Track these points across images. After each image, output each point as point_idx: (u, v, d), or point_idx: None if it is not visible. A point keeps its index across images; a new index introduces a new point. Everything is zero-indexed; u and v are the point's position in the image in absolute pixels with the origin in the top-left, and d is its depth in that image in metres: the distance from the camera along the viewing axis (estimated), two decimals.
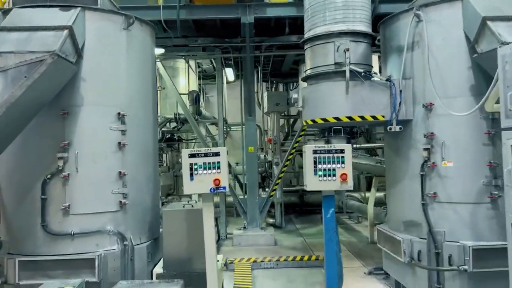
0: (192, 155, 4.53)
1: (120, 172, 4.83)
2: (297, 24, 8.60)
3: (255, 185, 9.02)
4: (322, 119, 5.19)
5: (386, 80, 5.06)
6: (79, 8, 4.58)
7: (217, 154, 4.53)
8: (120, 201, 4.83)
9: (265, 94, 10.92)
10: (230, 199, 10.02)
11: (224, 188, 4.54)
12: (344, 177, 4.40)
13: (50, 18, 4.43)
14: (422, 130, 5.01)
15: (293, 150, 9.36)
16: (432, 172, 4.91)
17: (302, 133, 9.38)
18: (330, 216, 4.54)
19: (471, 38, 4.58)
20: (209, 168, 4.51)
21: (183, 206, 5.38)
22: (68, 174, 4.56)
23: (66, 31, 4.23)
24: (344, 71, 5.07)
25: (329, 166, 4.44)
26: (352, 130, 11.27)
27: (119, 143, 4.84)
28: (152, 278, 5.04)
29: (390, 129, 5.06)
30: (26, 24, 4.31)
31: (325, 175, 4.44)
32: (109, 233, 4.72)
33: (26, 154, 4.62)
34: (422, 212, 4.97)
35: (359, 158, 9.11)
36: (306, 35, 5.48)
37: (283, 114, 11.70)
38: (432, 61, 4.88)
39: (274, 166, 10.32)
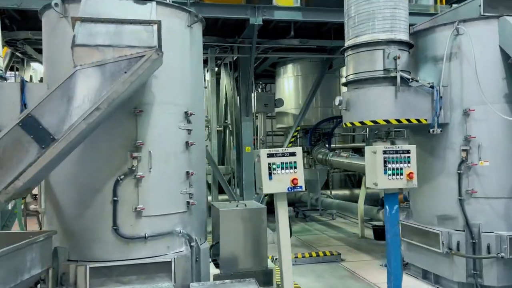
0: (270, 155, 4.60)
1: (188, 172, 4.71)
2: (301, 28, 8.91)
3: (252, 185, 9.11)
4: (372, 121, 5.51)
5: (430, 87, 5.52)
6: (154, 2, 4.40)
7: (293, 154, 4.65)
8: (188, 202, 4.71)
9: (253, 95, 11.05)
10: (222, 197, 10.01)
11: (301, 187, 4.66)
12: (411, 176, 4.75)
13: (129, 11, 4.21)
14: (459, 133, 5.56)
15: None
16: (469, 170, 5.47)
17: (295, 133, 9.69)
18: (394, 212, 4.87)
19: (507, 51, 5.21)
20: (287, 168, 4.61)
21: (237, 206, 5.38)
22: (142, 174, 4.37)
23: (155, 26, 4.05)
24: (392, 76, 5.44)
25: (397, 165, 4.77)
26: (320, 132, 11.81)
27: (187, 142, 4.72)
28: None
29: (433, 131, 5.54)
30: (105, 16, 4.06)
31: (393, 174, 4.76)
32: (178, 234, 4.59)
33: (94, 154, 4.33)
34: (459, 206, 5.52)
35: (351, 158, 9.62)
36: (351, 42, 5.77)
37: (268, 115, 11.92)
38: (470, 71, 5.45)
39: None
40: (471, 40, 5.43)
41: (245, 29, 8.47)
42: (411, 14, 7.25)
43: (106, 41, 3.75)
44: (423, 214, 6.11)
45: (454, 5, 6.59)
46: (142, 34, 3.95)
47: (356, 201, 9.88)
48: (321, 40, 9.21)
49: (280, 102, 10.73)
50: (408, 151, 4.81)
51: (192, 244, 4.73)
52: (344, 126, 6.04)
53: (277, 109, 11.68)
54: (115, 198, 4.30)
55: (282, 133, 13.96)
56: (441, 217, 5.77)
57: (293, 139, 9.73)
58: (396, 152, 4.78)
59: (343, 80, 12.52)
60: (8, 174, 3.46)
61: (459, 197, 5.52)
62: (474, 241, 5.41)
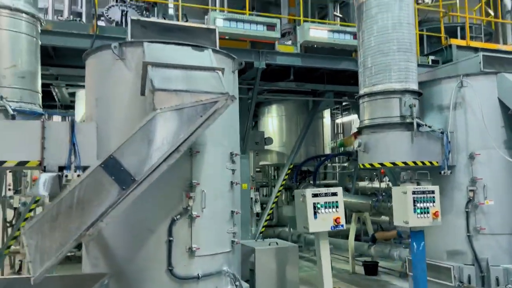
0: (315, 195, 4.86)
1: (232, 211, 4.85)
2: (297, 72, 9.42)
3: (248, 222, 9.23)
4: (391, 163, 5.96)
5: (440, 133, 6.10)
6: (210, 49, 4.64)
7: (335, 194, 4.94)
8: (232, 241, 4.81)
9: None
10: None
11: (342, 226, 4.93)
12: (436, 214, 5.20)
13: (191, 57, 4.42)
14: (466, 175, 6.14)
15: (281, 187, 9.89)
16: (476, 209, 6.03)
17: (289, 171, 10.02)
18: (421, 248, 5.26)
19: (507, 103, 5.94)
20: (329, 207, 4.88)
21: (269, 244, 5.53)
22: (196, 214, 4.45)
23: (220, 72, 4.29)
24: (408, 122, 5.98)
25: (424, 204, 5.20)
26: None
27: (232, 182, 4.88)
28: None
29: (444, 173, 6.07)
30: (169, 61, 4.24)
31: (421, 213, 5.18)
32: (225, 274, 4.66)
33: (150, 195, 4.36)
34: (468, 242, 6.02)
35: (345, 196, 10.04)
36: (368, 90, 6.27)
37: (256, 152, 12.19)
38: (473, 119, 6.11)
39: (255, 203, 10.64)
40: (474, 92, 6.13)
41: (245, 71, 8.84)
42: None
43: (182, 87, 3.92)
44: (432, 249, 6.54)
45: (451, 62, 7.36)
46: (211, 80, 4.16)
47: (341, 237, 10.23)
48: (315, 84, 9.77)
49: (269, 141, 11.07)
50: (432, 191, 5.28)
51: (237, 283, 4.80)
52: (361, 167, 6.45)
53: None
54: (171, 238, 4.33)
55: (259, 169, 14.24)
56: (450, 252, 6.24)
57: (286, 176, 10.03)
58: (423, 192, 5.22)
59: (326, 121, 13.34)
60: (90, 215, 3.45)
61: (468, 234, 6.03)
62: (483, 274, 5.90)
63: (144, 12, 10.73)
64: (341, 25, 9.54)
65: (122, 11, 9.88)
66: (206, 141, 4.65)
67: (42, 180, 4.00)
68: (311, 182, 11.60)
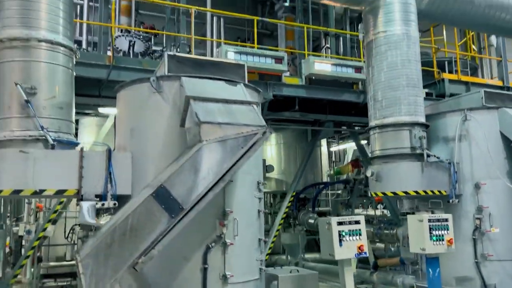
0: (340, 223, 5.07)
1: (260, 239, 5.00)
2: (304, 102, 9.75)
3: None
4: (404, 192, 6.24)
5: (448, 163, 6.45)
6: (242, 84, 4.90)
7: (358, 222, 5.16)
8: (260, 268, 4.95)
9: None
10: None
11: (365, 253, 5.14)
12: (451, 241, 5.46)
13: (226, 91, 4.66)
14: (472, 203, 6.47)
15: (284, 215, 10.06)
16: (482, 236, 6.33)
17: (291, 198, 10.23)
18: (437, 274, 5.49)
19: (508, 136, 6.36)
20: (353, 235, 5.09)
21: (290, 272, 5.67)
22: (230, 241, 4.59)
23: (255, 106, 4.54)
24: (418, 153, 6.31)
25: (439, 232, 5.47)
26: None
27: (259, 210, 5.06)
28: None
29: (453, 201, 6.38)
30: (206, 95, 4.46)
31: (437, 240, 5.44)
32: None
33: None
34: (475, 268, 6.29)
35: None
36: (379, 122, 6.61)
37: None
38: (478, 151, 6.49)
39: None
40: (477, 125, 6.54)
41: None
42: None
43: (225, 120, 4.13)
44: (442, 276, 6.77)
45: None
46: (249, 113, 4.39)
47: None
48: (318, 114, 10.11)
49: (270, 168, 11.29)
50: (446, 219, 5.56)
51: None
52: (373, 195, 6.71)
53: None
54: (206, 266, 4.45)
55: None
56: (459, 279, 6.48)
57: (289, 204, 10.22)
58: (438, 220, 5.50)
59: (323, 149, 13.67)
60: (143, 242, 3.58)
61: (476, 260, 6.31)
62: None
63: (148, 42, 11.03)
64: (342, 59, 9.94)
65: (130, 41, 10.16)
66: (238, 170, 4.84)
67: (85, 209, 4.11)
68: (310, 209, 11.80)
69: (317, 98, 9.35)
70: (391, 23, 6.72)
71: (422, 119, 6.55)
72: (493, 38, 12.10)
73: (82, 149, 4.53)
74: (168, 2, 10.17)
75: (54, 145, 4.46)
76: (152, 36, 11.75)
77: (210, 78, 4.76)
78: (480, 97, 6.76)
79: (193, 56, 5.14)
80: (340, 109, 10.25)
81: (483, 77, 14.27)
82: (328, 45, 13.49)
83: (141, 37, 10.71)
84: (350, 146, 14.88)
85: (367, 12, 7.07)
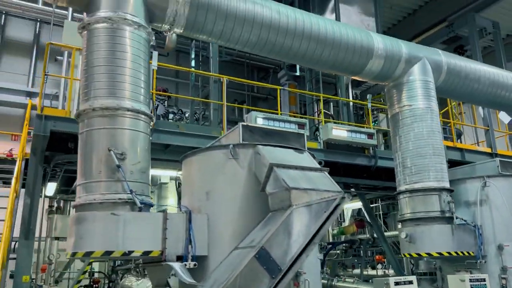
0: (396, 283, 5.42)
1: None
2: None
3: None
4: (438, 253, 6.71)
5: (473, 226, 7.02)
6: (307, 152, 5.39)
7: (411, 282, 5.54)
8: None
9: None
10: None
11: None
12: None
13: (295, 158, 5.11)
14: (496, 264, 6.99)
15: None
16: None
17: None
18: None
19: None
20: None
21: None
22: None
23: (326, 172, 5.00)
24: (448, 217, 6.87)
25: None
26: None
27: (320, 272, 5.37)
28: None
29: (480, 262, 6.88)
30: (280, 161, 4.90)
31: None
32: None
33: None
34: None
35: (358, 283, 10.51)
36: (408, 187, 7.19)
37: None
38: (498, 214, 7.12)
39: None
40: (496, 191, 7.22)
41: None
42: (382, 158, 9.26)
43: (308, 185, 4.56)
44: None
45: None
46: (324, 179, 4.84)
47: None
48: (333, 176, 10.63)
49: None
50: (484, 279, 6.02)
51: None
52: (407, 256, 7.13)
53: None
54: None
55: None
56: None
57: None
58: (477, 280, 5.95)
59: None
60: None
61: None
62: None
63: (164, 103, 11.55)
64: (356, 126, 10.71)
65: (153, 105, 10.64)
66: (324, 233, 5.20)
67: (179, 270, 4.32)
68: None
69: (333, 161, 9.97)
70: (415, 98, 7.52)
71: (448, 185, 7.19)
72: (480, 110, 13.32)
73: (166, 211, 4.79)
74: (185, 68, 10.85)
75: (142, 207, 4.72)
76: (167, 99, 12.32)
77: (281, 146, 5.23)
78: (496, 165, 7.52)
79: (261, 126, 5.63)
80: (351, 171, 10.88)
81: (465, 142, 15.51)
82: (329, 112, 14.51)
83: (160, 100, 11.24)
84: (349, 206, 15.40)
85: (391, 87, 7.88)
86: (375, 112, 16.06)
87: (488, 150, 12.59)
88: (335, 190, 4.67)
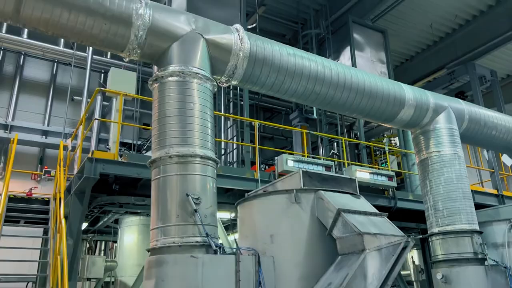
0: None
1: None
2: None
3: None
4: None
5: (504, 267, 7.39)
6: (362, 197, 5.77)
7: None
8: None
9: None
10: None
11: None
12: None
13: (354, 202, 5.48)
14: None
15: None
16: None
17: None
18: None
19: None
20: None
21: None
22: None
23: (385, 218, 5.36)
24: (481, 258, 7.23)
25: None
26: None
27: None
28: None
29: None
30: (346, 207, 5.26)
31: None
32: None
33: None
34: None
35: None
36: (441, 229, 7.57)
37: None
38: None
39: None
40: None
41: None
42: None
43: (376, 230, 4.90)
44: None
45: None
46: (386, 224, 5.20)
47: None
48: None
49: None
50: None
51: None
52: None
53: None
54: None
55: None
56: None
57: None
58: None
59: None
60: None
61: None
62: None
63: None
64: (377, 168, 11.17)
65: None
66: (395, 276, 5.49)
67: None
68: None
69: None
70: (442, 145, 8.04)
71: (477, 227, 7.60)
72: (485, 153, 14.00)
73: (237, 253, 5.06)
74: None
75: (217, 250, 4.98)
76: None
77: (339, 192, 5.60)
78: None
79: (319, 172, 5.99)
80: None
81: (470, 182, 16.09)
82: (336, 151, 15.02)
83: None
84: None
85: (418, 134, 8.40)
86: (377, 154, 16.65)
87: (494, 191, 13.15)
88: (399, 235, 5.02)
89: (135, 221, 10.60)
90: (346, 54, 12.74)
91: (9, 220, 8.81)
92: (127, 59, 5.87)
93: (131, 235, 10.54)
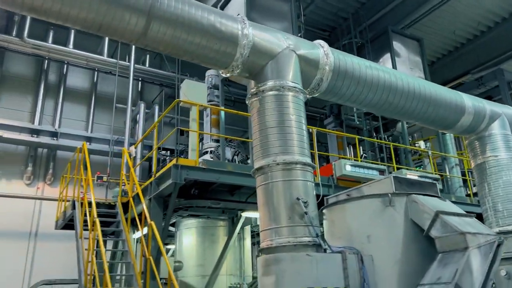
0: None
1: None
2: None
3: None
4: None
5: None
6: (447, 200, 6.25)
7: None
8: None
9: None
10: None
11: None
12: None
13: (445, 205, 5.96)
14: None
15: None
16: None
17: None
18: None
19: None
20: None
21: None
22: None
23: (474, 218, 5.85)
24: None
25: None
26: None
27: None
28: None
29: None
30: (442, 209, 5.73)
31: None
32: None
33: None
34: None
35: None
36: (502, 228, 8.05)
37: None
38: None
39: None
40: None
41: None
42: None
43: (473, 230, 5.38)
44: None
45: None
46: (477, 224, 5.68)
47: None
48: None
49: None
50: None
51: None
52: None
53: None
54: None
55: None
56: None
57: None
58: None
59: None
60: None
61: None
62: None
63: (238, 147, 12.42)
64: (424, 172, 11.66)
65: (234, 151, 11.45)
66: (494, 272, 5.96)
67: None
68: None
69: None
70: (498, 150, 8.53)
71: None
72: None
73: (344, 251, 5.54)
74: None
75: (327, 249, 5.46)
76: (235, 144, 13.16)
77: (428, 195, 6.08)
78: None
79: (406, 177, 6.48)
80: None
81: None
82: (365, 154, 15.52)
83: (236, 145, 12.08)
84: None
85: (473, 140, 8.89)
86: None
87: None
88: (492, 233, 5.50)
89: (193, 224, 11.09)
90: (386, 61, 13.25)
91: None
92: (226, 75, 6.37)
93: (190, 237, 11.03)
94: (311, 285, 5.20)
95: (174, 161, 7.77)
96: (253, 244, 13.56)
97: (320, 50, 6.74)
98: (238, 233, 10.67)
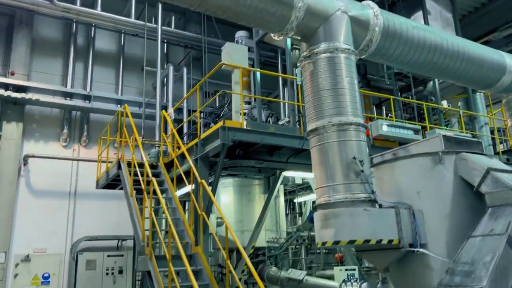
0: None
1: None
2: None
3: None
4: None
5: None
6: (495, 157, 6.48)
7: None
8: None
9: None
10: None
11: None
12: None
13: (492, 162, 6.20)
14: None
15: None
16: None
17: None
18: None
19: None
20: None
21: None
22: None
23: None
24: None
25: None
26: None
27: None
28: None
29: None
30: (491, 166, 5.97)
31: None
32: None
33: None
34: None
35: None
36: None
37: None
38: None
39: None
40: None
41: None
42: None
43: None
44: None
45: None
46: None
47: None
48: None
49: None
50: None
51: None
52: None
53: None
54: None
55: None
56: None
57: None
58: None
59: None
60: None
61: None
62: None
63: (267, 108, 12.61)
64: (461, 131, 11.82)
65: (268, 113, 11.67)
66: None
67: (429, 253, 5.39)
68: None
69: None
70: None
71: None
72: None
73: (397, 207, 5.86)
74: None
75: (381, 204, 5.79)
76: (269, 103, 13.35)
77: (476, 153, 6.31)
78: None
79: (454, 135, 6.69)
80: None
81: None
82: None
83: (266, 106, 12.28)
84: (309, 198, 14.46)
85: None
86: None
87: None
88: None
89: (230, 183, 11.54)
90: (418, 19, 13.12)
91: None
92: (279, 38, 6.50)
93: (227, 195, 11.50)
94: (368, 237, 5.58)
95: (221, 123, 8.05)
96: (285, 201, 13.98)
97: (370, 11, 6.80)
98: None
